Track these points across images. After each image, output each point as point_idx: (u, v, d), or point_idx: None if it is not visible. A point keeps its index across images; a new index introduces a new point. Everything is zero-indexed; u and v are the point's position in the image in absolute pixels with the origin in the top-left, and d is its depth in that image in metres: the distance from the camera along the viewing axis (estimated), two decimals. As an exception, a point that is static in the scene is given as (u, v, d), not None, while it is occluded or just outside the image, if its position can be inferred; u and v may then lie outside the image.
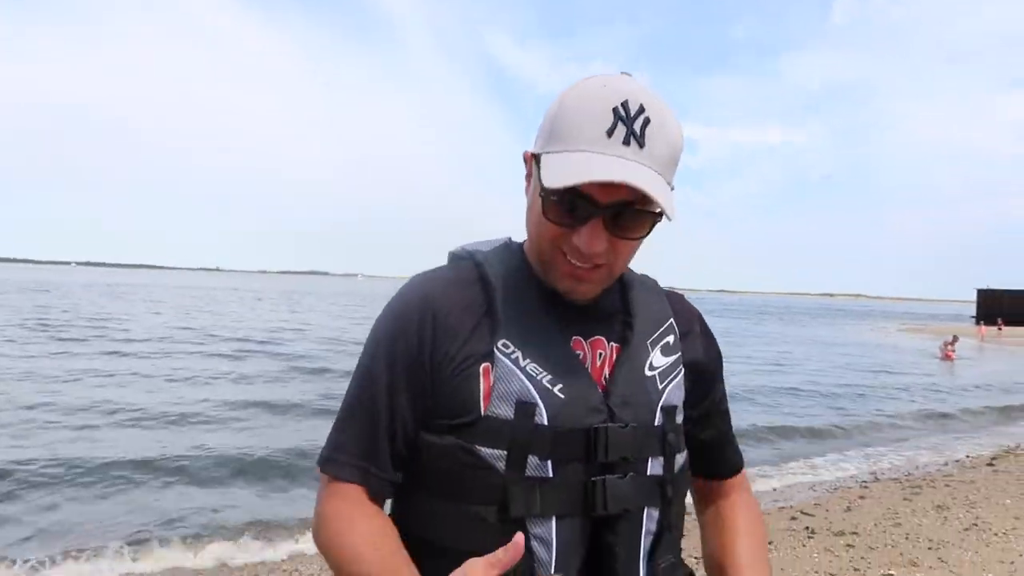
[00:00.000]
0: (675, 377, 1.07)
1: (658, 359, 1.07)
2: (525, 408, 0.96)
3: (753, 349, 26.50)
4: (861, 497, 7.13)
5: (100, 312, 31.93)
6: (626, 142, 0.91)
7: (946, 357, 24.65)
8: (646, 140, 0.92)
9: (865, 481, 8.05)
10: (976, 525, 5.88)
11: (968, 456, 9.50)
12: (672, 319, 1.13)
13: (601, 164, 0.90)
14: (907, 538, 5.52)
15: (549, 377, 0.98)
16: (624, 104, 0.92)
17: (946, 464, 9.00)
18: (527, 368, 0.98)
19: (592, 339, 1.06)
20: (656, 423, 1.03)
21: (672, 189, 0.97)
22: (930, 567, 4.81)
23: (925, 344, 31.92)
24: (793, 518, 6.23)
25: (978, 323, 47.81)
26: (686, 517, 1.13)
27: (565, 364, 1.00)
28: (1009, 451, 9.77)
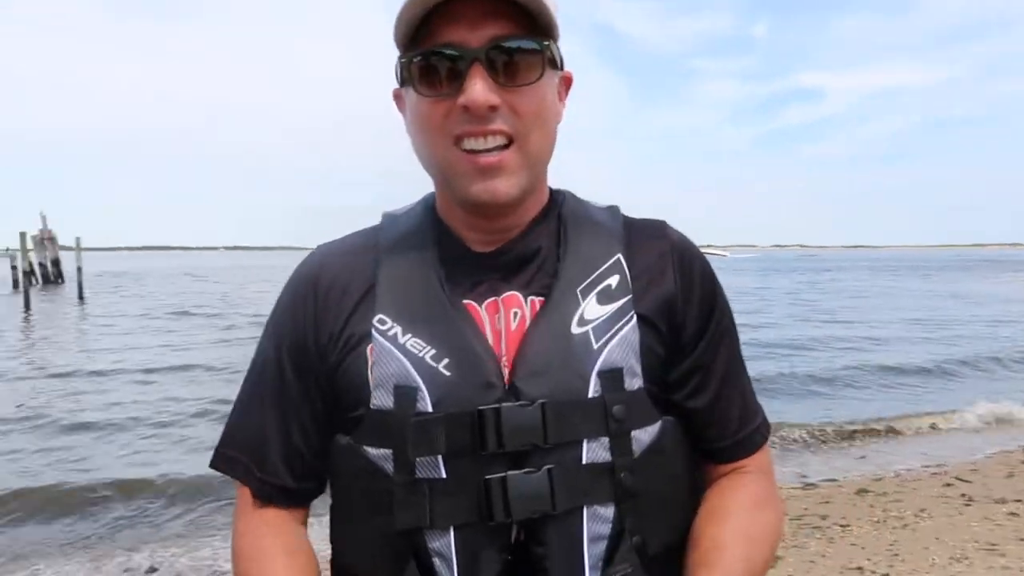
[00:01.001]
0: (620, 330, 0.83)
1: (592, 310, 0.83)
2: (405, 394, 0.80)
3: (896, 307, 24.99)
4: (1023, 462, 6.63)
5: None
6: None
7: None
8: None
9: (1027, 444, 7.46)
10: None
11: None
12: (620, 255, 0.87)
13: None
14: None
15: (432, 352, 0.81)
16: None
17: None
18: (407, 345, 0.82)
19: (505, 295, 0.85)
20: (591, 394, 0.80)
21: (554, 37, 0.83)
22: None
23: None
24: (948, 484, 5.87)
25: None
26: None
27: (454, 333, 0.82)
28: None
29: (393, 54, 0.85)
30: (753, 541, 0.84)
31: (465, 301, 0.85)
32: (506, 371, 0.81)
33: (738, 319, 0.98)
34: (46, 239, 41.79)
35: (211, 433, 7.57)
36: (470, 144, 0.80)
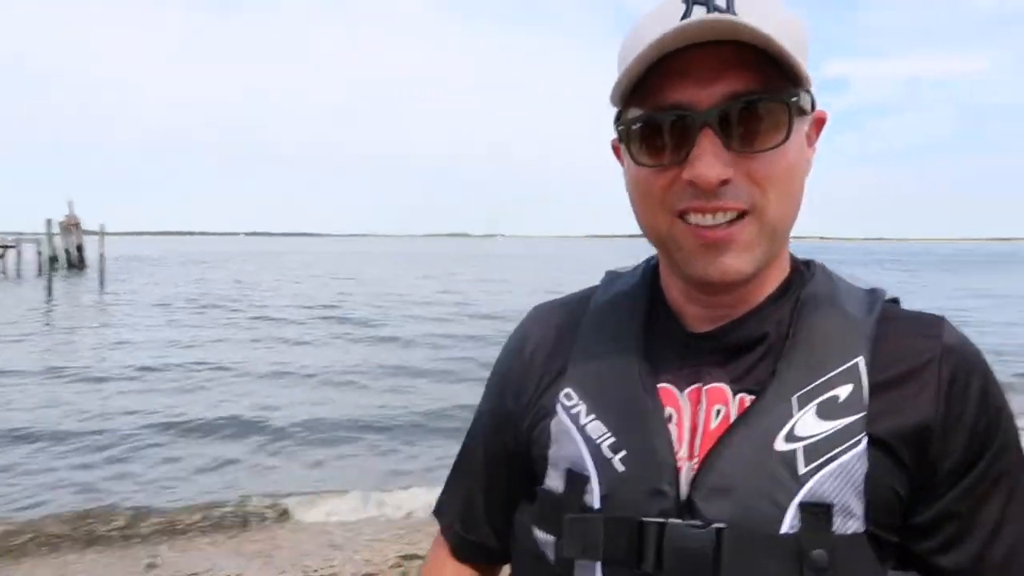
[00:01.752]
0: (839, 455, 0.66)
1: (808, 424, 0.67)
2: (574, 481, 0.73)
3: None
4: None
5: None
6: (708, 10, 0.66)
7: None
8: (735, 7, 0.66)
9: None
10: None
11: None
12: (861, 358, 0.70)
13: (669, 34, 0.64)
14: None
15: (612, 441, 0.72)
16: None
17: None
18: (587, 427, 0.74)
19: (711, 386, 0.72)
20: (785, 529, 0.65)
21: (807, 83, 0.69)
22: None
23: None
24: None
25: None
26: None
27: (637, 422, 0.72)
28: None
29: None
30: None
31: (662, 385, 0.74)
32: (688, 479, 0.69)
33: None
34: (71, 225, 42.40)
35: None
36: (696, 219, 0.68)
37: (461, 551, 0.91)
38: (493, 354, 0.93)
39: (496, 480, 0.87)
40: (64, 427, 8.10)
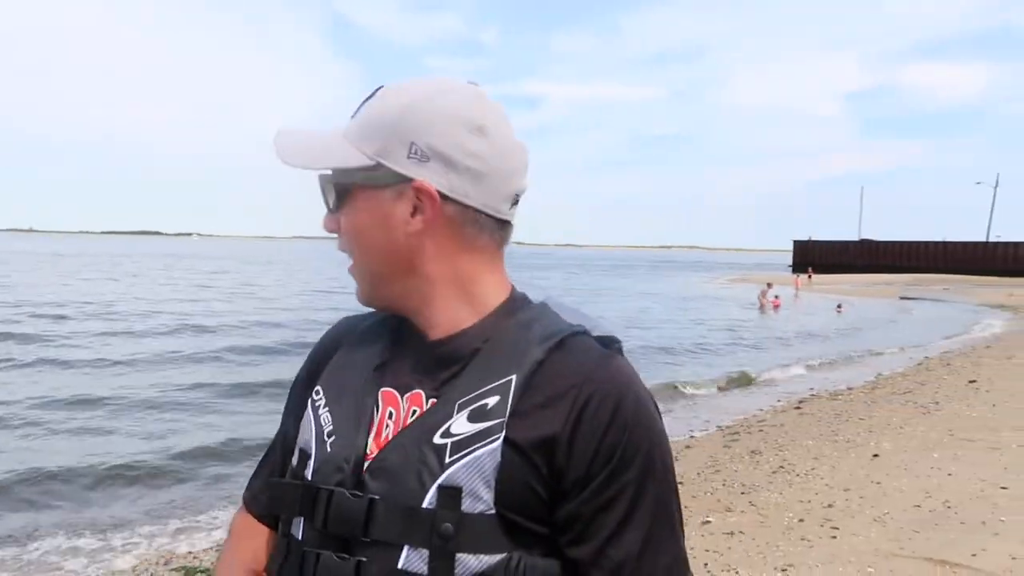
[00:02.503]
0: (475, 451, 0.81)
1: (460, 425, 0.82)
2: (303, 459, 0.91)
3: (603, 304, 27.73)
4: (687, 447, 7.75)
5: None
6: (352, 116, 0.93)
7: (774, 306, 26.82)
8: (357, 113, 0.92)
9: (692, 431, 8.74)
10: (783, 467, 6.57)
11: (779, 400, 10.53)
12: (514, 376, 0.83)
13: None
14: (724, 484, 6.08)
15: (331, 428, 0.90)
16: (375, 89, 0.93)
17: (761, 410, 9.93)
18: (321, 417, 0.91)
19: (413, 392, 0.89)
20: (425, 504, 0.80)
21: (374, 162, 0.88)
22: (742, 511, 5.34)
23: (747, 293, 34.67)
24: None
25: (795, 272, 52.32)
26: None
27: (353, 417, 0.89)
28: (813, 394, 10.92)
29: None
30: None
31: (386, 389, 0.90)
32: (367, 462, 0.86)
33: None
34: None
35: None
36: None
37: (257, 517, 1.04)
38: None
39: (283, 462, 1.01)
40: None
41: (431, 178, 0.86)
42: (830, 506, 5.31)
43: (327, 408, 0.91)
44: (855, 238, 68.33)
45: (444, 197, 0.87)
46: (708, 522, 5.11)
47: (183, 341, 15.14)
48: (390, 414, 0.88)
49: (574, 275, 54.71)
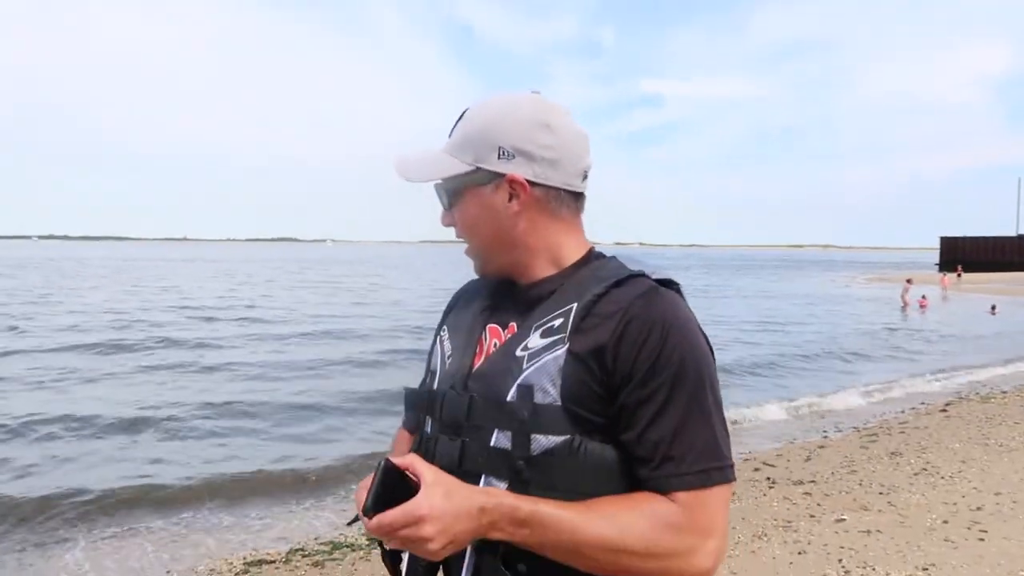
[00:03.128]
0: (544, 357, 1.04)
1: (534, 341, 1.06)
2: (431, 376, 1.22)
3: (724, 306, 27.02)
4: (821, 447, 7.51)
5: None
6: (449, 135, 1.18)
7: (920, 306, 25.17)
8: (453, 131, 1.17)
9: (825, 432, 8.45)
10: (925, 470, 6.27)
11: (923, 403, 9.96)
12: (575, 304, 1.06)
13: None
14: (860, 484, 5.88)
15: (450, 353, 1.19)
16: (463, 112, 1.18)
17: (902, 411, 9.44)
18: (445, 346, 1.21)
19: (510, 324, 1.14)
20: (508, 398, 1.04)
21: (473, 167, 1.12)
22: (879, 510, 5.16)
23: (885, 293, 32.72)
24: (756, 469, 6.57)
25: (941, 271, 48.83)
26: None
27: (463, 345, 1.17)
28: (961, 398, 10.25)
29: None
30: (601, 513, 0.98)
31: (491, 324, 1.17)
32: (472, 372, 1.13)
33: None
34: None
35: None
36: None
37: (409, 431, 1.30)
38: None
39: None
40: None
41: (518, 170, 1.11)
42: (978, 509, 5.05)
43: (448, 340, 1.21)
44: (1012, 233, 62.94)
45: (531, 183, 1.11)
46: (843, 520, 4.98)
47: (327, 345, 15.99)
48: (495, 344, 1.15)
49: (698, 276, 53.35)
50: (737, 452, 7.43)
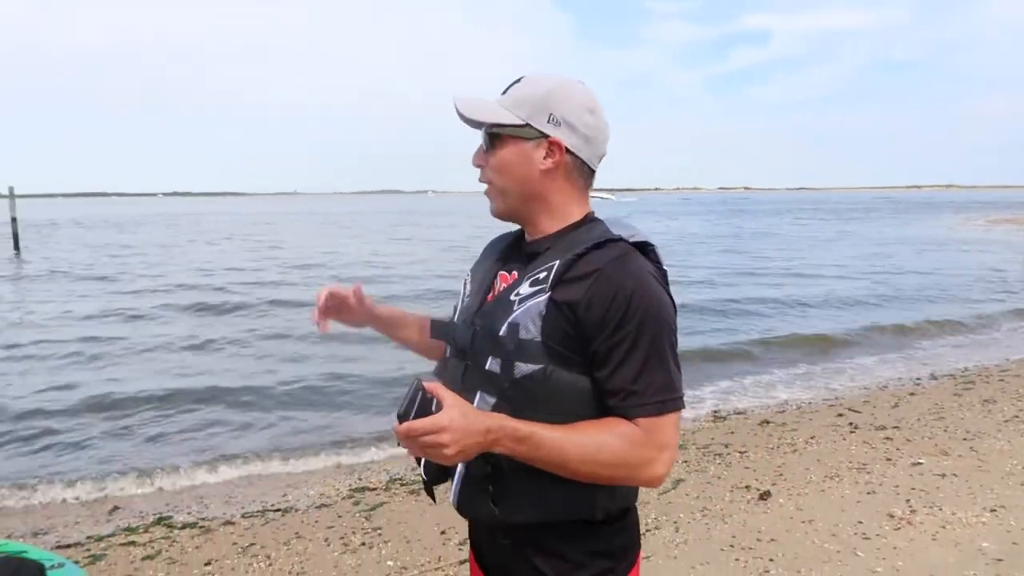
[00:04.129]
0: (529, 303, 1.28)
1: (525, 288, 1.30)
2: (454, 312, 1.52)
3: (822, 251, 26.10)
4: (911, 394, 7.45)
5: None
6: (502, 94, 1.38)
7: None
8: (508, 91, 1.37)
9: (919, 379, 8.32)
10: (1018, 417, 6.17)
11: (1031, 352, 9.58)
12: (558, 261, 1.29)
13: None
14: (945, 430, 5.87)
15: (469, 294, 1.47)
16: (517, 78, 1.39)
17: (1007, 360, 9.13)
18: (466, 289, 1.49)
19: (513, 272, 1.40)
20: (500, 332, 1.29)
21: (524, 123, 1.32)
22: (959, 455, 5.19)
23: (1013, 237, 30.68)
24: (839, 414, 6.63)
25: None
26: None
27: (479, 287, 1.44)
28: (1075, 345, 9.77)
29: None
30: (582, 432, 1.23)
31: (502, 271, 1.43)
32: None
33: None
34: (-24, 188, 40.18)
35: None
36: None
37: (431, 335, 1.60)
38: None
39: None
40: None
41: (561, 137, 1.33)
42: (1065, 456, 5.00)
43: (469, 286, 1.49)
44: None
45: (567, 150, 1.34)
46: (919, 463, 5.05)
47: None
48: (502, 287, 1.40)
49: (804, 222, 51.41)
50: (823, 398, 7.51)
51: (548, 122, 1.32)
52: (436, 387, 1.17)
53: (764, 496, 4.54)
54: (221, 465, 5.95)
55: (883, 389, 7.84)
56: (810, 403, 7.35)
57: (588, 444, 1.22)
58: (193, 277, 19.36)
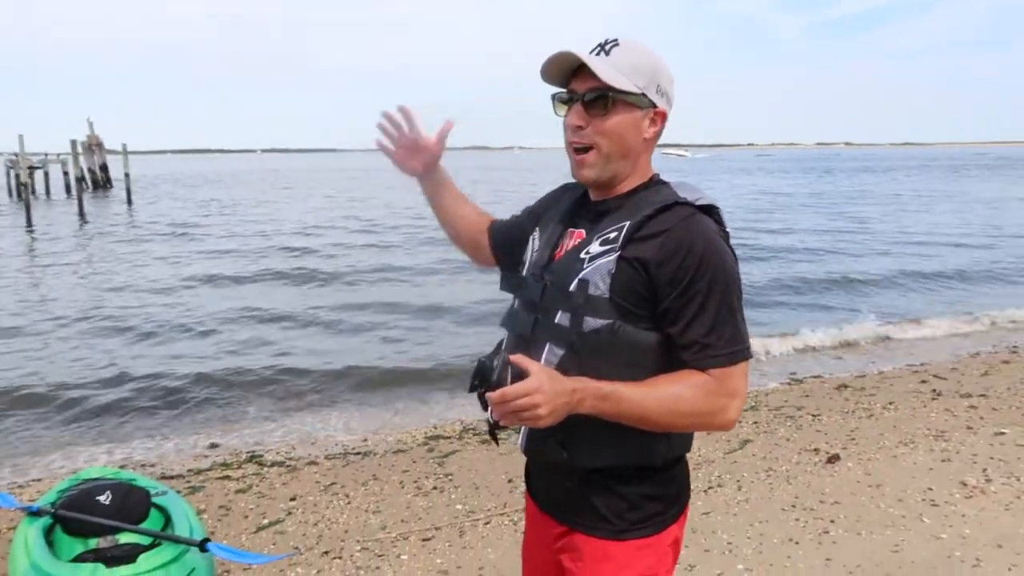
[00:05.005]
0: (599, 261, 1.34)
1: (595, 247, 1.37)
2: (522, 264, 1.55)
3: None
4: (1005, 362, 7.14)
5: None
6: (594, 52, 1.38)
7: None
8: (611, 53, 1.37)
9: (1016, 346, 7.95)
10: (1120, 390, 5.85)
11: None
12: (628, 222, 1.35)
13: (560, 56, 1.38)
14: (1036, 401, 5.64)
15: (538, 248, 1.51)
16: (606, 38, 1.40)
17: (1118, 329, 8.59)
18: (534, 243, 1.54)
19: (581, 230, 1.46)
20: (571, 288, 1.36)
21: (641, 92, 1.36)
22: (1048, 427, 4.99)
23: None
24: (923, 381, 6.44)
25: None
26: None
27: (548, 243, 1.49)
28: None
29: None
30: (660, 386, 1.31)
31: (572, 229, 1.48)
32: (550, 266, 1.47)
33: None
34: (94, 145, 42.78)
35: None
36: (571, 143, 1.43)
37: (489, 242, 1.74)
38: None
39: (512, 222, 1.72)
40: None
41: (665, 107, 1.42)
42: None
43: (538, 240, 1.53)
44: None
45: (664, 119, 1.43)
46: (1002, 433, 4.89)
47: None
48: (570, 244, 1.46)
49: (902, 179, 48.66)
50: (905, 363, 7.30)
51: (656, 92, 1.39)
52: (519, 358, 1.26)
53: (832, 459, 4.51)
54: (305, 413, 6.35)
55: (974, 356, 7.54)
56: (893, 369, 7.16)
57: (665, 397, 1.30)
58: (295, 239, 20.18)
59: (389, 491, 4.32)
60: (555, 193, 1.64)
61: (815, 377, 6.96)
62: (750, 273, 12.33)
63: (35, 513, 2.64)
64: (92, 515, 2.64)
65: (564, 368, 1.32)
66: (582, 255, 1.38)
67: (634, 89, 1.36)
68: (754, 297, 10.75)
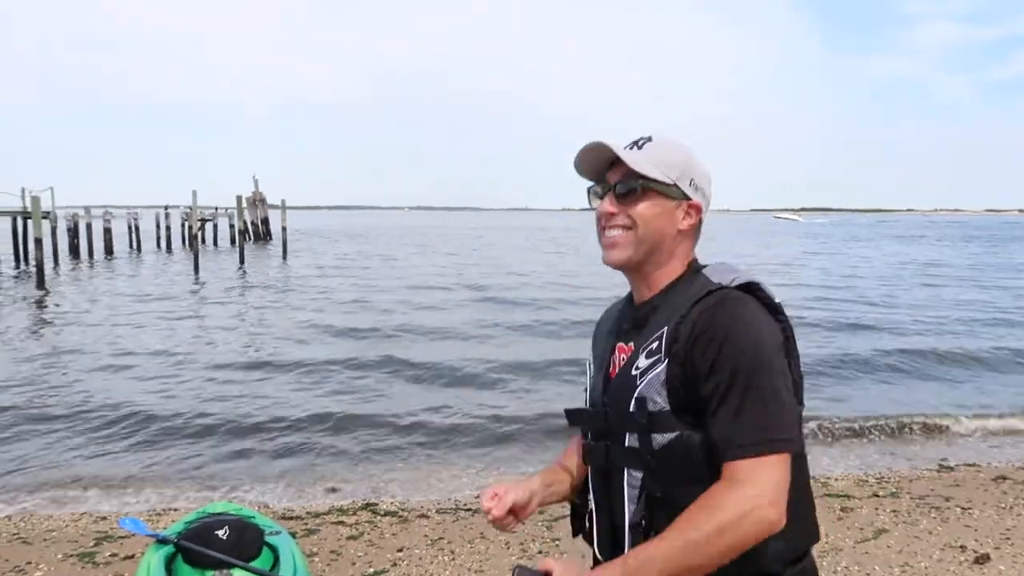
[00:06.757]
0: (650, 375, 1.31)
1: (642, 361, 1.34)
2: (584, 393, 1.53)
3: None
4: None
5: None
6: (629, 147, 1.41)
7: None
8: (643, 148, 1.41)
9: None
10: None
11: None
12: (666, 328, 1.32)
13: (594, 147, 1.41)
14: None
15: (592, 374, 1.51)
16: (641, 136, 1.44)
17: None
18: (590, 371, 1.53)
19: (629, 343, 1.41)
20: (630, 409, 1.33)
21: (673, 183, 1.38)
22: None
23: None
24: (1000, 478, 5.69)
25: None
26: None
27: (600, 364, 1.48)
28: None
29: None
30: (679, 527, 1.21)
31: (619, 343, 1.45)
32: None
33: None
34: (258, 200, 46.61)
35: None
36: (601, 227, 1.45)
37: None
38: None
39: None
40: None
41: (700, 201, 1.44)
42: None
43: (592, 365, 1.53)
44: None
45: (699, 212, 1.44)
46: None
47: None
48: (622, 359, 1.42)
49: (940, 248, 43.97)
50: (964, 457, 6.52)
51: (689, 185, 1.42)
52: (546, 562, 1.29)
53: (981, 559, 4.05)
54: (422, 463, 6.47)
55: None
56: (1064, 462, 6.39)
57: (684, 526, 1.20)
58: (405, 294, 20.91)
59: (494, 551, 4.29)
60: (602, 317, 1.63)
61: (970, 465, 6.32)
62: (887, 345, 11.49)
63: (161, 541, 2.83)
64: (210, 548, 2.80)
65: (649, 490, 1.31)
66: (633, 371, 1.35)
67: (665, 179, 1.39)
68: (891, 375, 10.11)
